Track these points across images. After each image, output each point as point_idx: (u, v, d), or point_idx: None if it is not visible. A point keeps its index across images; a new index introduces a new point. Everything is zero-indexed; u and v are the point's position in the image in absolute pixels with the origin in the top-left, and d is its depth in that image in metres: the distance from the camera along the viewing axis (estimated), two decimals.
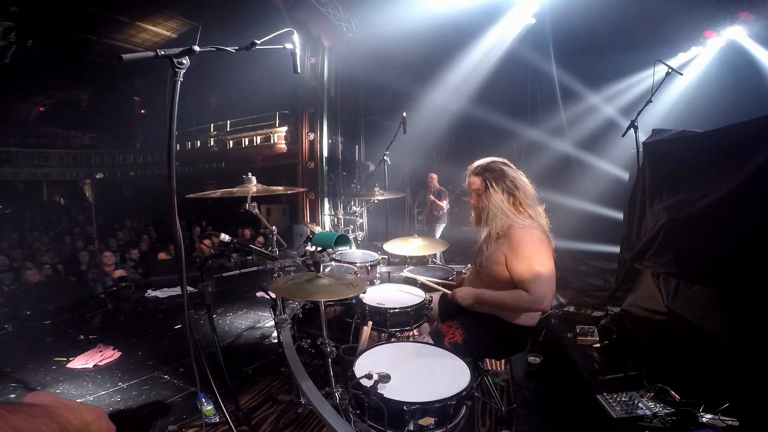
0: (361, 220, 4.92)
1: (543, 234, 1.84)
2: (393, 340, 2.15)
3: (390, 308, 2.28)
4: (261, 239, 6.84)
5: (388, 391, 1.39)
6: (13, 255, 6.71)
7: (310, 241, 2.92)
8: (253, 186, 2.45)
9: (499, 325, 1.91)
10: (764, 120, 2.18)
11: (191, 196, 2.52)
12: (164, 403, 2.58)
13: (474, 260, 2.08)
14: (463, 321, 1.96)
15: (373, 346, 1.78)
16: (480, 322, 1.93)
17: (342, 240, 3.07)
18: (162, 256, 6.76)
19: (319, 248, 2.78)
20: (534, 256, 1.76)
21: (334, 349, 2.08)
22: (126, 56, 1.25)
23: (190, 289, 1.68)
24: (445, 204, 6.60)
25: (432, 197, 6.67)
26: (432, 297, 2.41)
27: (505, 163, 2.00)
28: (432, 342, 1.84)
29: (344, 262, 3.14)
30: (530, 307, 1.80)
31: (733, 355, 2.05)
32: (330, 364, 2.08)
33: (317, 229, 5.12)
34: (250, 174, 2.48)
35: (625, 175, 4.57)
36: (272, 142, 11.22)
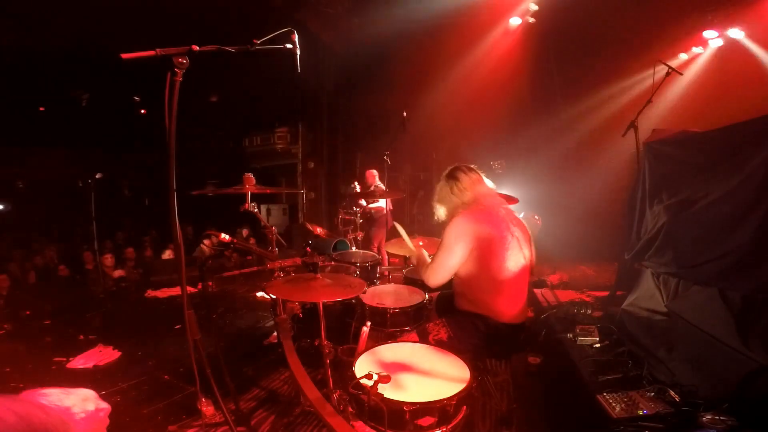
0: (361, 220, 4.91)
1: (469, 224, 1.92)
2: (392, 340, 2.15)
3: (390, 308, 2.28)
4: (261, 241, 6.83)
5: (388, 391, 1.39)
6: (13, 255, 6.71)
7: (309, 245, 2.94)
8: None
9: (485, 322, 1.92)
10: (764, 120, 2.17)
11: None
12: (164, 403, 2.58)
13: None
14: (450, 319, 1.99)
15: (373, 347, 1.78)
16: (466, 320, 1.95)
17: (340, 246, 3.09)
18: (166, 256, 6.79)
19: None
20: (444, 242, 1.95)
21: (333, 349, 2.08)
22: (126, 55, 1.25)
23: (189, 289, 1.68)
24: (382, 204, 5.54)
25: (361, 199, 5.60)
26: (432, 297, 2.42)
27: (459, 168, 2.17)
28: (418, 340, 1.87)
29: (344, 262, 3.14)
30: (423, 278, 2.06)
31: (733, 355, 2.05)
32: (328, 364, 2.08)
33: (317, 230, 5.11)
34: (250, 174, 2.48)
35: (625, 175, 4.56)
36: (272, 141, 11.23)
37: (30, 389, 0.67)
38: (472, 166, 2.19)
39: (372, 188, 5.53)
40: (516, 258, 1.92)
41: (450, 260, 1.91)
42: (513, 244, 1.92)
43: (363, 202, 5.37)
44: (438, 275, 1.95)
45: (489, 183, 2.15)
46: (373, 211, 5.66)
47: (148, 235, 8.71)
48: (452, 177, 2.12)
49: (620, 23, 6.10)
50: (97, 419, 0.77)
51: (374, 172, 5.96)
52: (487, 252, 1.87)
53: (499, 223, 1.94)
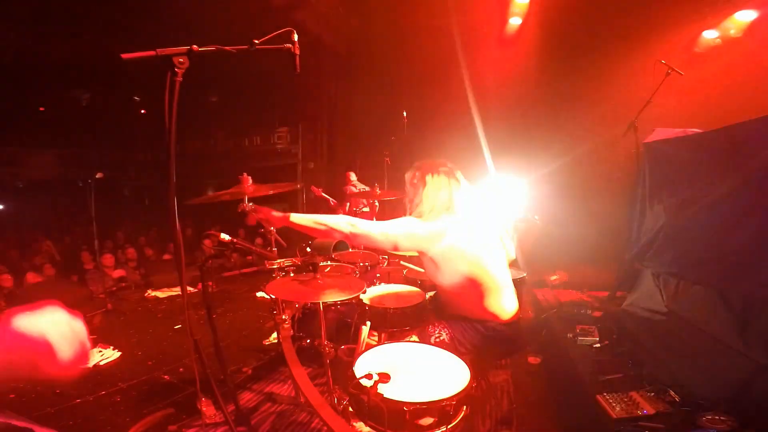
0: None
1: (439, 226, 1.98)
2: (392, 340, 2.15)
3: (390, 308, 2.28)
4: (260, 241, 6.83)
5: (387, 391, 1.39)
6: (12, 255, 6.71)
7: (309, 245, 2.94)
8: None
9: (483, 324, 1.92)
10: (764, 120, 2.17)
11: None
12: (164, 403, 2.58)
13: None
14: (451, 320, 1.98)
15: (373, 347, 1.78)
16: (467, 321, 1.95)
17: (340, 246, 3.09)
18: (167, 256, 6.79)
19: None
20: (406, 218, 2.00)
21: (333, 349, 2.08)
22: (126, 55, 1.25)
23: (189, 289, 1.68)
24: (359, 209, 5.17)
25: (332, 202, 5.56)
26: (431, 297, 2.41)
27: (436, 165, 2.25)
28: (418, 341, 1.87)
29: (344, 263, 3.14)
30: (344, 227, 1.87)
31: (733, 355, 2.05)
32: (328, 364, 2.08)
33: None
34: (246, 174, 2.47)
35: (625, 176, 4.56)
36: (272, 142, 11.23)
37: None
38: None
39: (351, 190, 5.72)
40: (501, 254, 2.03)
41: (419, 231, 1.99)
42: (494, 241, 2.03)
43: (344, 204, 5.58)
44: (387, 239, 1.95)
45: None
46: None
47: (149, 235, 8.72)
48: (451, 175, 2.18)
49: (620, 23, 6.10)
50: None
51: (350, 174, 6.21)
52: (476, 255, 1.91)
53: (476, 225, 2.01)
